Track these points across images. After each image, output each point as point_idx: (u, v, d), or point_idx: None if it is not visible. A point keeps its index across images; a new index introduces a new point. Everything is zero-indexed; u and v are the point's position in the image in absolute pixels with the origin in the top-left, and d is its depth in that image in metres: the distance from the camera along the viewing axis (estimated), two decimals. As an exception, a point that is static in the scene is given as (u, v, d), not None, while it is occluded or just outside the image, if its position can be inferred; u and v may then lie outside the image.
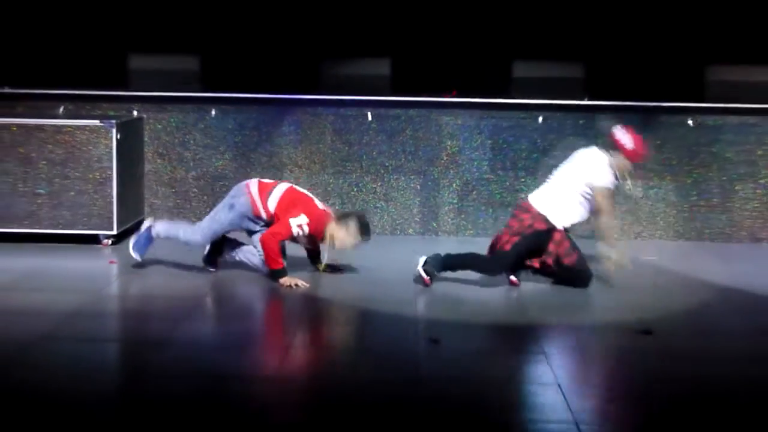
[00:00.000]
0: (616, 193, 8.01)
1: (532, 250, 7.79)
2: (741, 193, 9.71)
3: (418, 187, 9.80)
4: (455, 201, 9.80)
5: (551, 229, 7.79)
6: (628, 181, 7.88)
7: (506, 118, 9.64)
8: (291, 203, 7.83)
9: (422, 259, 7.84)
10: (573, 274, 7.82)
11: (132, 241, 8.16)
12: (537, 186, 9.65)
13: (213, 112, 9.78)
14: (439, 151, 9.76)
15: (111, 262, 8.57)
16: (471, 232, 9.78)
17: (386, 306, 7.41)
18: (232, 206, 7.93)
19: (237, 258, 8.08)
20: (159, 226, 8.17)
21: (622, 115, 9.64)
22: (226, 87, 9.95)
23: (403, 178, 9.83)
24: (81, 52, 11.49)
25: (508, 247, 7.74)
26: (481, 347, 6.63)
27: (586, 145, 9.65)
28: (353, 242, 7.82)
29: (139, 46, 10.85)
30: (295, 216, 7.73)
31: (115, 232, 9.03)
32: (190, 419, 5.28)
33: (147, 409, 5.45)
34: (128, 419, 5.32)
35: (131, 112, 9.72)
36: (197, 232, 8.04)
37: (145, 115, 9.77)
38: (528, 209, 7.82)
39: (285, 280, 7.72)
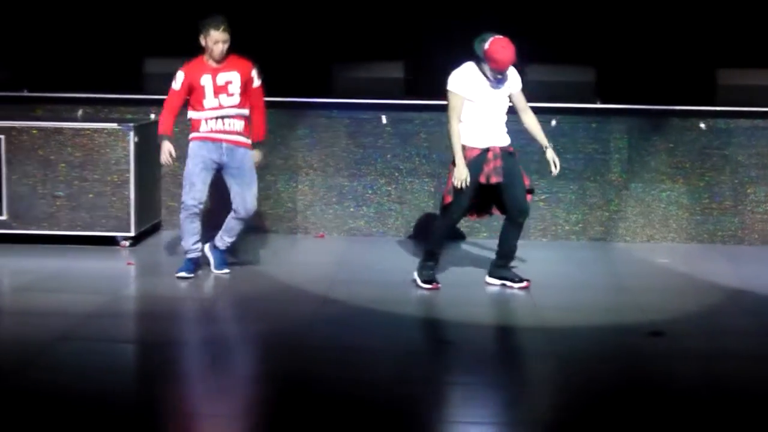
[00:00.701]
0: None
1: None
2: (753, 196, 9.69)
3: (432, 189, 9.80)
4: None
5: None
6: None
7: (519, 121, 9.60)
8: None
9: (415, 275, 7.88)
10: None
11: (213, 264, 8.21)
12: (549, 189, 9.72)
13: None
14: (451, 154, 9.75)
15: (128, 264, 8.61)
16: (485, 234, 9.77)
17: (397, 307, 7.42)
18: None
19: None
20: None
21: (633, 119, 9.67)
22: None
23: (417, 181, 9.84)
24: (99, 55, 11.54)
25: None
26: (493, 349, 6.64)
27: (598, 148, 9.72)
28: (217, 48, 7.86)
29: (156, 49, 10.87)
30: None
31: (132, 233, 9.06)
32: (207, 420, 5.30)
33: (164, 410, 5.47)
34: (145, 420, 5.34)
35: (148, 115, 9.75)
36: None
37: (162, 119, 9.78)
38: None
39: (162, 148, 7.96)
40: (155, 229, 9.72)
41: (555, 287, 8.10)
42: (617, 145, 9.73)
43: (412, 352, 6.55)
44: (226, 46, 7.88)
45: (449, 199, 7.69)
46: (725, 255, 9.27)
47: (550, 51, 10.70)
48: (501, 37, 7.60)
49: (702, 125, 9.63)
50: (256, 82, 8.04)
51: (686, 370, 6.24)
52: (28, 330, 6.71)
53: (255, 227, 9.77)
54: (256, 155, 8.11)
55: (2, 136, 9.00)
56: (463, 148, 7.68)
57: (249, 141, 8.03)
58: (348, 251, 9.19)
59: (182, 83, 7.88)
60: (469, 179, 7.61)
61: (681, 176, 9.73)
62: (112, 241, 9.05)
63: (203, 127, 7.91)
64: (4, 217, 9.01)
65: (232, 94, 7.92)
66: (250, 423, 5.30)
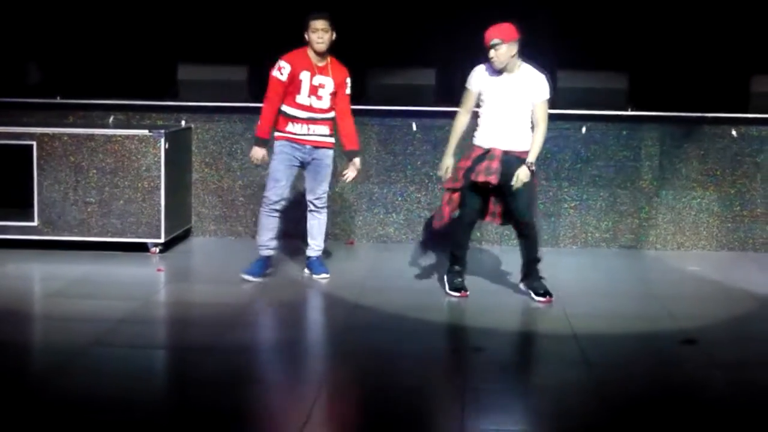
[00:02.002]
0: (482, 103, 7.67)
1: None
2: (785, 204, 9.62)
3: (462, 196, 9.77)
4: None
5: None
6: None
7: (550, 128, 9.50)
8: None
9: (446, 286, 7.87)
10: None
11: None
12: (580, 196, 9.67)
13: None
14: (483, 161, 9.73)
15: (159, 270, 8.61)
16: (514, 242, 9.69)
17: (426, 314, 7.39)
18: None
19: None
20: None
21: (664, 126, 9.60)
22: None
23: (447, 188, 9.79)
24: (131, 62, 11.59)
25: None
26: (523, 356, 6.60)
27: (629, 155, 9.67)
28: (316, 36, 7.89)
29: (188, 56, 10.91)
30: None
31: (162, 240, 9.08)
32: (236, 427, 5.29)
33: (194, 416, 5.47)
34: (175, 426, 5.34)
35: (179, 122, 9.77)
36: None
37: (193, 125, 9.82)
38: None
39: (255, 152, 8.06)
40: (186, 235, 9.74)
41: (585, 294, 8.06)
42: (648, 152, 9.67)
43: (443, 359, 6.52)
44: (326, 36, 7.89)
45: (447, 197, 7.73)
46: (756, 263, 9.20)
47: (582, 57, 10.67)
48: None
49: (734, 132, 9.57)
50: (348, 89, 8.11)
51: (718, 378, 6.18)
52: (60, 336, 6.73)
53: (285, 234, 9.78)
54: (353, 166, 8.19)
55: (34, 143, 9.04)
56: (471, 146, 7.67)
57: (332, 140, 8.11)
58: (378, 258, 9.18)
59: (288, 74, 7.90)
60: (450, 169, 7.68)
61: (712, 183, 9.66)
62: (142, 248, 9.06)
63: (289, 127, 7.98)
64: (35, 224, 9.04)
65: (321, 97, 7.97)
66: (283, 429, 5.29)
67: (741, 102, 10.01)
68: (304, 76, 7.91)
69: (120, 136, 9.09)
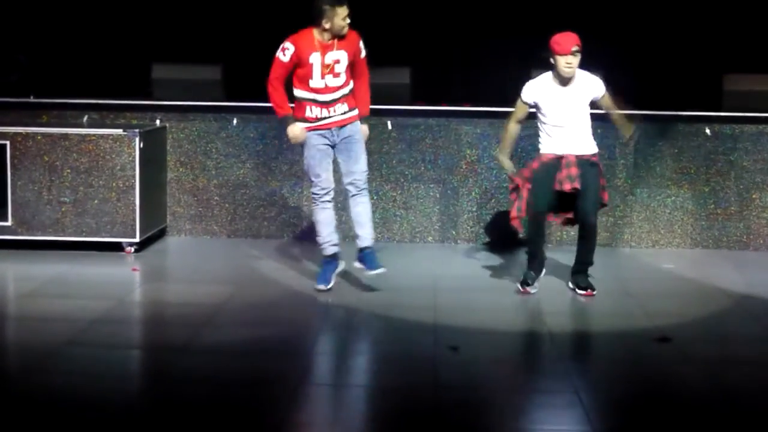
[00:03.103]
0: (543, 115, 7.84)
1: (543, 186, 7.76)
2: (758, 202, 9.65)
3: (438, 195, 9.78)
4: (474, 209, 9.78)
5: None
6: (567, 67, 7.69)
7: (525, 126, 9.54)
8: None
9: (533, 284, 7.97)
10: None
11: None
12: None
13: (235, 121, 9.79)
14: (459, 160, 9.74)
15: (134, 270, 8.58)
16: (490, 239, 9.75)
17: (405, 313, 7.39)
18: None
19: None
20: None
21: (639, 124, 9.61)
22: (248, 96, 9.94)
23: (422, 187, 9.80)
24: (105, 61, 11.54)
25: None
26: (499, 355, 6.59)
27: (603, 154, 9.67)
28: (341, 24, 7.55)
29: (163, 55, 10.87)
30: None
31: (137, 239, 9.04)
32: (212, 426, 5.27)
33: (169, 415, 5.44)
34: (150, 426, 5.31)
35: (154, 121, 9.73)
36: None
37: (167, 124, 9.79)
38: None
39: (291, 131, 7.66)
40: (161, 234, 9.70)
41: (560, 292, 8.06)
42: (623, 150, 9.69)
43: (418, 358, 6.51)
44: (348, 21, 7.56)
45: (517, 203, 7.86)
46: (731, 260, 9.23)
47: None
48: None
49: (707, 131, 9.60)
50: (363, 53, 7.73)
51: (693, 375, 6.20)
52: (34, 335, 6.69)
53: (261, 233, 9.76)
54: (364, 130, 7.86)
55: (8, 142, 8.98)
56: (538, 153, 7.83)
57: (356, 113, 7.77)
58: (353, 257, 9.14)
59: (291, 56, 7.56)
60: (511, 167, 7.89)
61: (686, 182, 9.69)
62: (117, 247, 9.02)
63: (308, 113, 7.64)
64: (9, 223, 8.98)
65: (338, 74, 7.62)
66: (259, 429, 5.27)
67: (714, 100, 10.03)
68: (315, 58, 7.53)
69: (94, 135, 9.04)
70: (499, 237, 9.71)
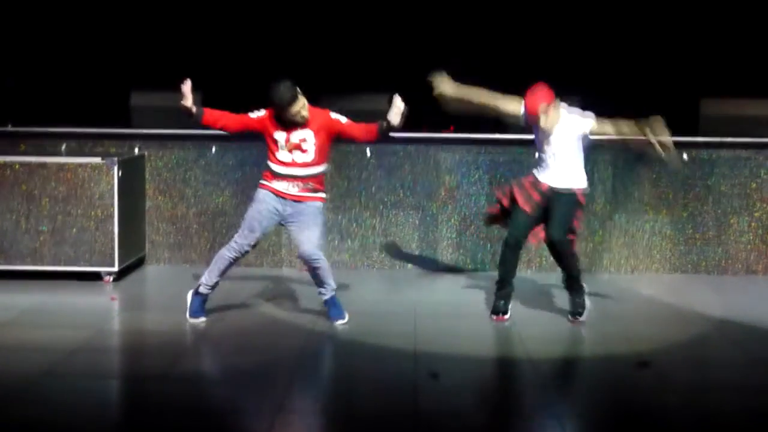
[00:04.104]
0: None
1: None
2: (736, 226, 9.70)
3: (417, 222, 9.79)
4: (454, 236, 9.79)
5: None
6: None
7: (503, 153, 9.63)
8: None
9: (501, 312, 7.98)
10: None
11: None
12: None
13: (213, 149, 9.79)
14: (438, 187, 9.76)
15: (112, 299, 8.55)
16: (470, 266, 9.76)
17: (385, 339, 7.38)
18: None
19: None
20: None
21: (616, 151, 9.66)
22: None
23: (401, 214, 9.81)
24: (83, 90, 11.53)
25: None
26: (479, 382, 6.59)
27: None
28: (294, 118, 7.48)
29: (141, 83, 10.87)
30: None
31: (116, 268, 9.01)
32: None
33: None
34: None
35: (133, 150, 9.72)
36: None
37: (146, 152, 9.77)
38: None
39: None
40: (139, 263, 9.67)
41: (540, 319, 8.07)
42: (601, 175, 9.72)
43: (399, 385, 6.49)
44: (303, 111, 7.47)
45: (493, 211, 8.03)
46: (709, 285, 9.26)
47: (533, 81, 10.72)
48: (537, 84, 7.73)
49: (685, 156, 9.63)
50: (342, 120, 7.63)
51: (673, 401, 6.20)
52: (12, 366, 6.64)
53: (239, 262, 9.73)
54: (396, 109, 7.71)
55: (-14, 171, 8.95)
56: (528, 175, 7.93)
57: (322, 195, 7.70)
58: (333, 284, 9.15)
59: (259, 117, 7.57)
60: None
61: (664, 207, 9.73)
62: (96, 276, 8.98)
63: (274, 184, 7.61)
64: (-13, 253, 8.95)
65: (306, 151, 7.56)
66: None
67: (691, 125, 10.10)
68: (279, 135, 7.54)
69: (72, 164, 9.02)
70: (480, 264, 9.72)
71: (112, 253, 8.98)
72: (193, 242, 9.82)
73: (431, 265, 9.77)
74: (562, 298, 8.75)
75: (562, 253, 7.89)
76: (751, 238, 9.71)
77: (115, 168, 8.99)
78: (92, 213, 8.98)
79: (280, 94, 7.41)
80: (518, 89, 9.69)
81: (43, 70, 11.75)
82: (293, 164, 7.57)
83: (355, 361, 7.01)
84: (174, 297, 8.62)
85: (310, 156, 7.58)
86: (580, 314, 7.90)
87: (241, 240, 7.71)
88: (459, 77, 7.78)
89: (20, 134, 9.87)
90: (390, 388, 6.35)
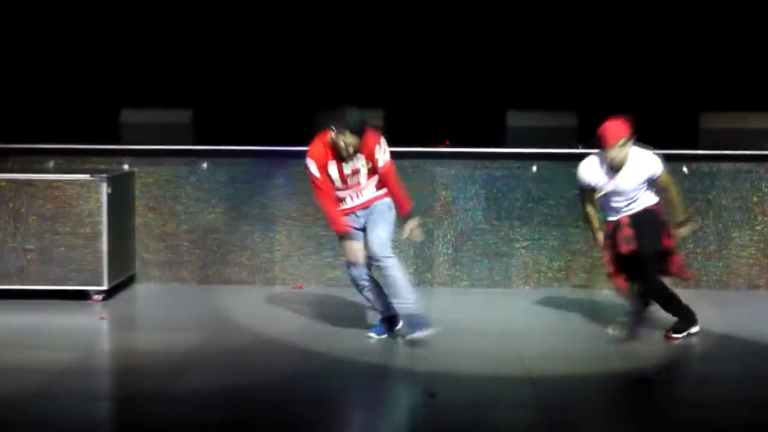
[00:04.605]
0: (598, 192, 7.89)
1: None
2: (737, 240, 9.75)
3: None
4: (450, 251, 9.83)
5: None
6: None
7: (500, 167, 9.67)
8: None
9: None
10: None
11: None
12: (532, 236, 9.75)
13: (204, 165, 9.82)
14: (433, 202, 9.80)
15: (101, 319, 8.57)
16: (466, 282, 9.80)
17: (382, 358, 7.41)
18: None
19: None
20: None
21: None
22: (218, 140, 10.00)
23: (397, 229, 9.83)
24: (72, 106, 11.57)
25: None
26: (478, 400, 6.62)
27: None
28: (352, 142, 7.47)
29: (130, 100, 10.92)
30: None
31: (105, 287, 9.03)
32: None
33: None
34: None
35: (122, 166, 9.75)
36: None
37: (135, 169, 9.80)
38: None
39: (347, 247, 7.59)
40: (129, 282, 9.69)
41: (539, 335, 8.11)
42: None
43: (397, 405, 6.53)
44: (352, 148, 7.50)
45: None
46: (710, 300, 9.29)
47: (531, 96, 10.81)
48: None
49: (685, 169, 9.69)
50: (381, 163, 7.62)
51: (674, 417, 6.24)
52: (2, 387, 6.66)
53: (232, 279, 9.77)
54: (411, 225, 7.84)
55: (-28, 189, 8.98)
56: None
57: (383, 192, 7.73)
58: (327, 302, 9.19)
59: (317, 168, 7.58)
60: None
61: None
62: (84, 296, 9.01)
63: (340, 206, 7.68)
64: (-27, 272, 8.97)
65: (362, 176, 7.64)
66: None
67: (691, 139, 10.16)
68: (332, 168, 7.59)
69: (60, 181, 9.05)
70: (476, 280, 9.76)
71: (101, 272, 9.00)
72: (184, 260, 9.85)
73: (427, 282, 9.81)
74: (561, 314, 8.80)
75: (653, 292, 7.98)
76: (753, 252, 9.76)
77: (104, 185, 9.02)
78: (80, 231, 9.00)
79: (358, 119, 7.47)
80: (513, 104, 9.80)
81: (32, 85, 11.79)
82: (353, 187, 7.67)
83: (351, 381, 7.04)
84: (165, 316, 8.67)
85: (364, 179, 7.66)
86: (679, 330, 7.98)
87: (351, 273, 7.79)
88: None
89: (7, 151, 9.88)
90: (387, 408, 6.38)
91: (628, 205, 7.86)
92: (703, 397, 6.64)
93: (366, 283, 7.77)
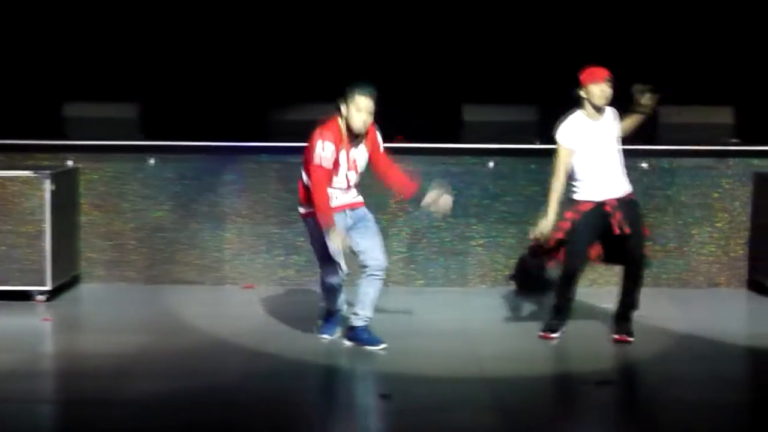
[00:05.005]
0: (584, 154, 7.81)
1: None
2: (697, 238, 9.79)
3: (366, 236, 9.77)
4: (404, 250, 9.80)
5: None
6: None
7: (456, 163, 9.65)
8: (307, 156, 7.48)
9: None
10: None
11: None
12: (489, 233, 9.74)
13: (152, 161, 9.74)
14: (387, 199, 9.74)
15: (45, 320, 8.47)
16: (421, 282, 9.77)
17: (336, 359, 7.37)
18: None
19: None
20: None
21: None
22: (166, 135, 9.91)
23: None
24: (12, 100, 11.43)
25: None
26: (434, 402, 6.60)
27: (539, 191, 9.73)
28: (360, 117, 7.35)
29: (74, 93, 10.79)
30: (312, 152, 7.37)
31: (49, 288, 8.94)
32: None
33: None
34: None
35: (66, 162, 9.65)
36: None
37: (80, 165, 9.70)
38: None
39: (334, 239, 7.36)
40: (74, 282, 9.59)
41: (496, 335, 8.11)
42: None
43: (348, 407, 6.49)
44: (370, 119, 7.41)
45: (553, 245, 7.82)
46: (671, 299, 9.33)
47: (488, 90, 10.79)
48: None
49: (644, 165, 9.72)
50: (381, 147, 7.62)
51: (637, 420, 6.24)
52: (-60, 392, 6.58)
53: (180, 279, 9.70)
54: (433, 196, 7.70)
55: None
56: (576, 201, 7.79)
57: (361, 198, 7.67)
58: (278, 302, 9.14)
59: (334, 159, 7.36)
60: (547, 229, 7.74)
61: (623, 218, 9.78)
62: (27, 296, 8.90)
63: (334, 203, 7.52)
64: None
65: (358, 171, 7.55)
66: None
67: (649, 133, 10.17)
68: (342, 155, 7.42)
69: (2, 178, 8.95)
70: (432, 279, 9.74)
71: (45, 272, 8.91)
72: (130, 259, 9.76)
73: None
74: (519, 314, 8.79)
75: (642, 273, 7.95)
76: (713, 249, 9.81)
77: (48, 182, 8.92)
78: (23, 229, 8.90)
79: (366, 85, 7.38)
80: (470, 98, 9.74)
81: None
82: (347, 187, 7.57)
83: (303, 383, 7.00)
84: (111, 317, 8.58)
85: (358, 177, 7.60)
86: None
87: (329, 278, 7.69)
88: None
89: (-54, 147, 9.76)
90: (341, 410, 6.34)
91: (611, 179, 7.80)
92: (667, 399, 6.63)
93: (340, 290, 7.74)
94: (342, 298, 7.87)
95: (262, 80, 11.47)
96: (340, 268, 7.61)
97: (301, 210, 7.68)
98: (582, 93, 7.81)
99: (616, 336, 7.89)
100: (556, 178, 7.79)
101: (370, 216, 7.72)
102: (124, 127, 10.06)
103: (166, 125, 10.40)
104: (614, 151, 7.86)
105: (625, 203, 7.82)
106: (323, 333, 7.86)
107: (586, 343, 7.87)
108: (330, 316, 7.90)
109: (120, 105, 10.31)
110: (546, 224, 7.74)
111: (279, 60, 11.48)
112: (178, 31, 11.56)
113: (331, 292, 7.75)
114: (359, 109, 7.37)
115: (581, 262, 7.90)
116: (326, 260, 7.58)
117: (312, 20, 11.60)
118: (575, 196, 7.83)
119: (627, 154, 9.57)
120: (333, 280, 7.65)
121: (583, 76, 7.82)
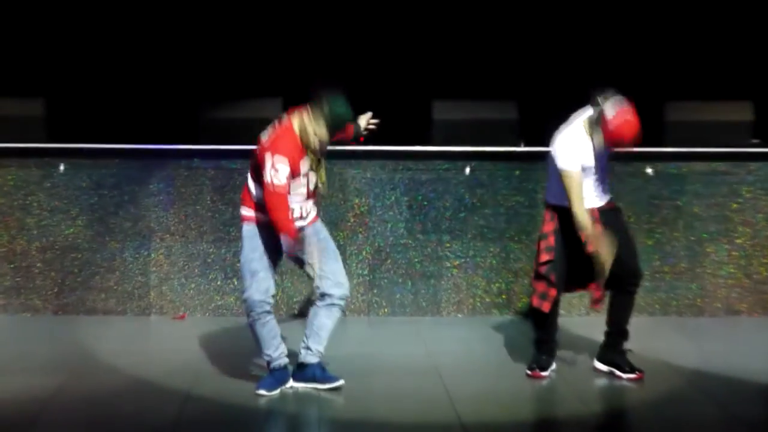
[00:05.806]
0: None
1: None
2: (713, 256, 9.86)
3: (319, 256, 9.81)
4: (365, 273, 9.83)
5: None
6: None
7: (426, 169, 9.69)
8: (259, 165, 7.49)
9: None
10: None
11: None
12: (465, 252, 9.78)
13: (62, 168, 9.73)
14: (345, 212, 9.80)
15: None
16: (386, 310, 9.80)
17: (280, 403, 7.40)
18: None
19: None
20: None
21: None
22: (78, 137, 9.90)
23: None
24: None
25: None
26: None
27: (523, 201, 9.79)
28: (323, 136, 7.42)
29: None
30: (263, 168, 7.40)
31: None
32: None
33: None
34: None
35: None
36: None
37: (-24, 173, 9.71)
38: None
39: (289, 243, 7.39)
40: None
41: (473, 374, 8.15)
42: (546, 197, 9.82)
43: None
44: (323, 144, 7.49)
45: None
46: (682, 329, 9.39)
47: (463, 84, 10.84)
48: (628, 108, 7.74)
49: (648, 170, 9.78)
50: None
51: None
52: None
53: (97, 308, 9.68)
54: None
55: None
56: (556, 207, 7.91)
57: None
58: (215, 335, 9.14)
59: (288, 176, 7.39)
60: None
61: (625, 234, 9.85)
62: None
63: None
64: None
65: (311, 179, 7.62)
66: None
67: (655, 134, 10.25)
68: (303, 164, 7.48)
69: None
70: (397, 307, 9.77)
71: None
72: (36, 285, 9.74)
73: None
74: (500, 348, 8.83)
75: (634, 295, 8.08)
76: (732, 270, 9.88)
77: (-63, 193, 8.92)
78: None
79: (340, 113, 7.41)
80: (440, 94, 9.78)
81: None
82: (308, 193, 7.63)
83: (243, 425, 7.01)
84: (13, 354, 8.56)
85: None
86: (638, 369, 8.03)
87: (249, 293, 7.59)
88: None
89: None
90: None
91: (598, 187, 7.91)
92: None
93: (269, 311, 7.64)
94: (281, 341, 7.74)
95: (193, 72, 11.49)
96: (310, 278, 7.65)
97: (243, 212, 7.64)
98: (597, 113, 7.78)
99: (628, 375, 7.97)
100: (578, 204, 7.76)
101: (325, 232, 7.75)
102: (28, 126, 10.04)
103: (78, 125, 10.40)
104: (605, 160, 7.94)
105: (606, 213, 7.91)
106: (260, 388, 7.68)
107: (581, 381, 7.91)
108: (270, 363, 7.71)
109: (23, 101, 10.29)
110: (599, 242, 7.74)
111: (214, 49, 11.50)
112: (91, 14, 11.57)
113: (262, 322, 7.61)
114: (317, 134, 7.42)
115: (563, 282, 7.95)
116: (258, 274, 7.56)
117: (249, 7, 11.65)
118: (556, 201, 7.90)
119: (628, 157, 9.73)
120: (258, 297, 7.55)
121: (606, 128, 7.75)
